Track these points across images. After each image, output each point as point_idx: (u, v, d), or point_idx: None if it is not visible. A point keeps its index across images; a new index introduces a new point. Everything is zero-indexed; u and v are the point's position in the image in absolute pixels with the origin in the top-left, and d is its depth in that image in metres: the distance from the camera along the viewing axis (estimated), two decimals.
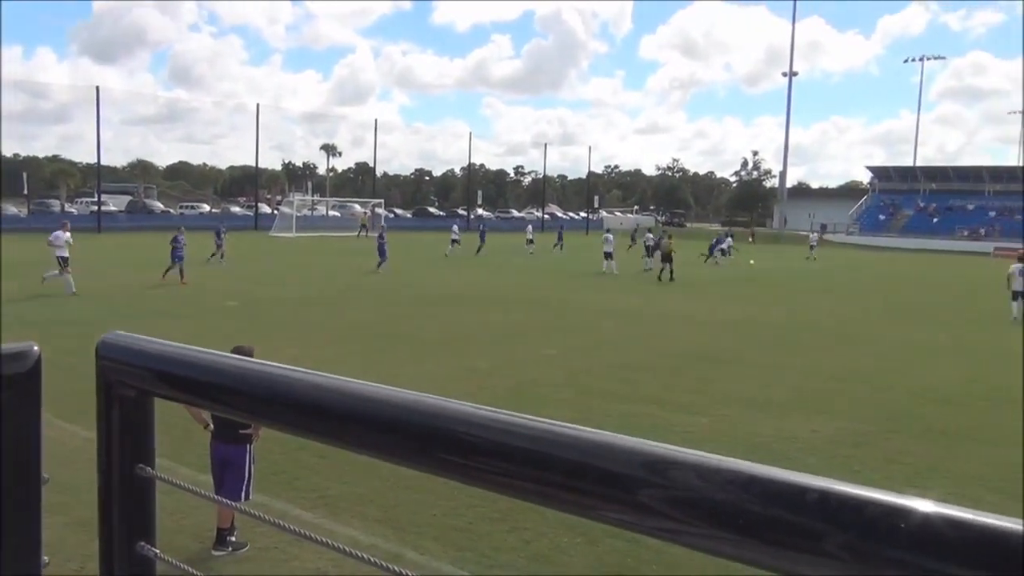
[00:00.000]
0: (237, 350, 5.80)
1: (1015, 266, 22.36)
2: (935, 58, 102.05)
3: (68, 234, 20.96)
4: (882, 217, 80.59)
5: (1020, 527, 0.47)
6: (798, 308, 23.21)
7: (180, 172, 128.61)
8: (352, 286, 24.87)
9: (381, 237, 30.73)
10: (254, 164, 71.59)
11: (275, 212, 65.10)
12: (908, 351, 16.26)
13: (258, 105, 64.47)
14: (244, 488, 6.27)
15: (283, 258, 35.61)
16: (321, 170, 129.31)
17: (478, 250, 40.16)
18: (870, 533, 0.50)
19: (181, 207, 73.17)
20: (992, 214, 77.29)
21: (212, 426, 6.31)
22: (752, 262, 40.09)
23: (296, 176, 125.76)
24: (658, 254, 31.76)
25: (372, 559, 1.14)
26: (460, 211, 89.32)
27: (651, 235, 37.36)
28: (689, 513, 0.56)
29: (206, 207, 76.70)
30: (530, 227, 48.61)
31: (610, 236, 33.55)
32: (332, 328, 16.89)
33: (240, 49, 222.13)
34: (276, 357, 1.18)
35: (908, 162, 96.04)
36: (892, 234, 72.72)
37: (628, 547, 6.25)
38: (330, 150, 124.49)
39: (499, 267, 34.34)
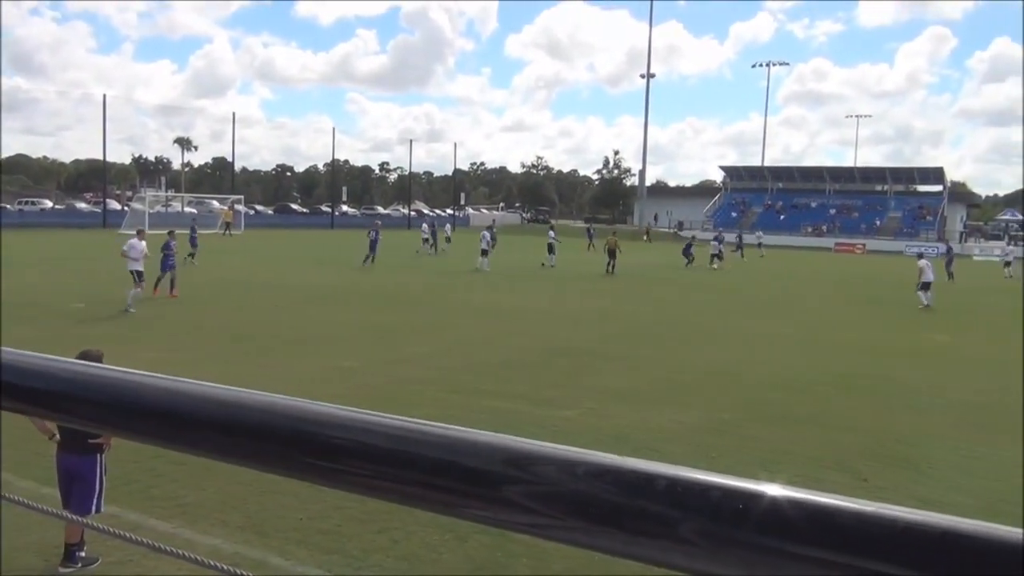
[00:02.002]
0: (84, 355, 5.47)
1: (921, 262, 25.00)
2: (780, 64, 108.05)
3: (144, 243, 18.72)
4: (734, 214, 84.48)
5: (852, 505, 0.50)
6: (663, 303, 24.06)
7: (19, 166, 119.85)
8: (212, 284, 23.91)
9: (375, 232, 32.86)
10: (101, 158, 67.64)
11: (126, 209, 61.81)
12: (761, 343, 17.14)
13: (104, 96, 60.97)
14: (94, 501, 5.93)
15: None
16: (176, 165, 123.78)
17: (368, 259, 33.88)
18: (722, 517, 0.52)
19: (19, 203, 68.37)
20: (833, 211, 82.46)
21: (58, 436, 5.93)
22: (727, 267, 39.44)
23: (149, 171, 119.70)
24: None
25: (232, 569, 1.10)
26: (324, 208, 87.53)
27: (553, 233, 38.30)
28: (552, 507, 0.57)
29: (48, 203, 71.89)
30: (424, 225, 47.88)
31: (487, 234, 34.27)
32: (191, 330, 16.20)
33: (87, 36, 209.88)
34: (130, 362, 1.13)
35: (757, 162, 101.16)
36: (744, 231, 76.35)
37: (497, 542, 6.31)
38: (185, 144, 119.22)
39: (375, 266, 33.90)
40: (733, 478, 0.54)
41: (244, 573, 1.10)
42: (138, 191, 79.29)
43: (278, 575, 5.97)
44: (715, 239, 41.63)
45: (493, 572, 6.03)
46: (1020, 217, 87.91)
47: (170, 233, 22.05)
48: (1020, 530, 0.47)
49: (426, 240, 44.03)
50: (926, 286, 24.08)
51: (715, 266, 38.65)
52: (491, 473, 0.59)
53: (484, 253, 33.16)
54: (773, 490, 0.52)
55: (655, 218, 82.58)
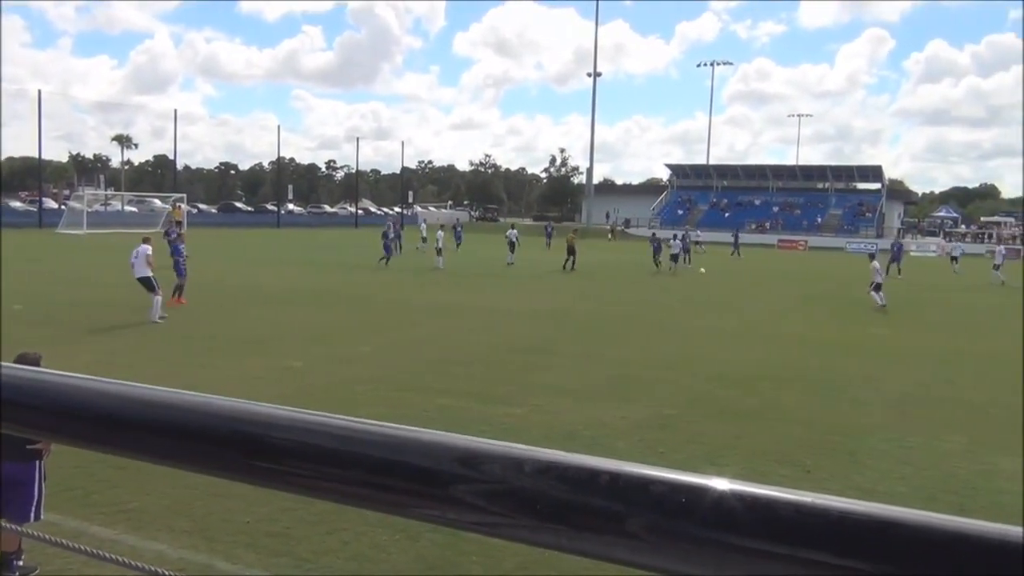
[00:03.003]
0: (21, 358, 5.31)
1: (873, 263, 25.04)
2: (724, 63, 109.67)
3: (151, 249, 17.47)
4: (680, 212, 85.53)
5: (792, 496, 0.51)
6: (615, 300, 24.24)
7: None
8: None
9: (392, 233, 34.01)
10: (37, 155, 65.70)
11: (63, 208, 60.17)
12: (706, 338, 17.38)
13: (40, 91, 59.30)
14: (33, 509, 5.76)
15: (74, 257, 32.99)
16: (115, 163, 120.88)
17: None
18: (665, 511, 0.53)
19: None
20: (776, 209, 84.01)
21: None
22: (702, 270, 36.96)
23: (87, 169, 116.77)
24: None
25: (178, 574, 1.09)
26: (270, 206, 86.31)
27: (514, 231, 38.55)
28: (499, 505, 0.57)
29: None
30: (390, 223, 47.48)
31: (441, 233, 34.80)
32: (133, 331, 15.84)
33: (21, 30, 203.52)
34: (69, 365, 1.10)
35: (702, 160, 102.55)
36: (690, 228, 77.28)
37: (449, 541, 6.30)
38: (124, 141, 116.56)
39: (323, 264, 33.53)
40: (676, 472, 0.55)
41: None
42: (76, 189, 77.29)
43: None
44: (678, 236, 37.84)
45: (445, 571, 6.02)
46: (955, 214, 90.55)
47: (179, 236, 20.89)
48: (949, 516, 0.49)
49: (424, 239, 44.51)
50: (878, 287, 24.33)
51: (675, 267, 35.93)
52: (439, 472, 0.59)
53: (439, 252, 33.71)
54: (715, 483, 0.53)
55: (607, 216, 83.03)
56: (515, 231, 38.72)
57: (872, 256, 26.24)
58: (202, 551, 6.24)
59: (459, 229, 47.99)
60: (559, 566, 5.89)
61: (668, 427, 10.21)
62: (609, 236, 66.85)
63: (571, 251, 34.62)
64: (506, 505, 0.57)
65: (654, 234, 43.59)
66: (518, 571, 6.02)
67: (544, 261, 38.06)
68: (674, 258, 36.50)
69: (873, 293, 24.27)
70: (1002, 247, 43.99)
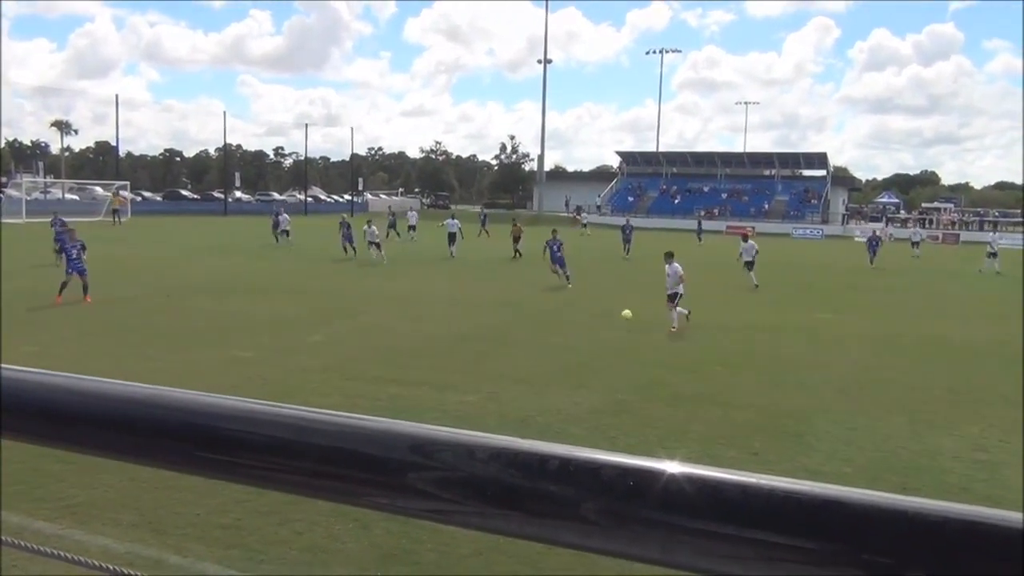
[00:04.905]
0: None
1: (743, 244, 27.06)
2: (672, 51, 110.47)
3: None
4: (631, 199, 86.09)
5: (737, 477, 0.52)
6: (562, 288, 24.33)
7: None
8: (95, 275, 22.85)
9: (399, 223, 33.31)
10: None
11: (0, 196, 58.42)
12: (652, 325, 17.56)
13: None
14: None
15: (13, 246, 32.05)
16: (54, 149, 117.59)
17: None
18: (614, 495, 0.53)
19: None
20: (724, 195, 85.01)
21: None
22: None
23: (25, 156, 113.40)
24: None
25: (124, 570, 1.07)
26: (216, 194, 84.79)
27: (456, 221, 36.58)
28: (450, 491, 0.57)
29: None
30: (413, 213, 46.74)
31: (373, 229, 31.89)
32: (77, 322, 15.47)
33: None
34: (7, 358, 1.07)
35: (652, 147, 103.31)
36: (640, 214, 77.91)
37: (403, 529, 6.29)
38: (63, 127, 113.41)
39: (271, 254, 33.07)
40: (626, 456, 0.56)
41: (138, 574, 1.07)
42: (13, 177, 75.03)
43: (176, 574, 5.79)
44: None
45: (399, 559, 6.02)
46: (897, 200, 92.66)
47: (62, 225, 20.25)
48: (890, 494, 0.51)
49: (412, 227, 44.53)
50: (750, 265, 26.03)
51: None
52: (391, 460, 0.59)
53: (377, 246, 30.94)
54: (665, 466, 0.54)
55: (565, 203, 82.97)
56: (456, 221, 36.14)
57: (745, 238, 27.61)
58: (151, 545, 6.14)
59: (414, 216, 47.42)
60: (513, 551, 5.93)
61: (621, 412, 10.31)
62: (584, 227, 62.89)
63: (516, 239, 34.51)
64: (458, 492, 0.58)
65: (628, 221, 43.27)
66: (473, 557, 6.04)
67: (484, 248, 37.85)
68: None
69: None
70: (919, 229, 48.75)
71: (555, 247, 25.36)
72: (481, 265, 30.84)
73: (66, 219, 31.58)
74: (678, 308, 17.00)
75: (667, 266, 17.80)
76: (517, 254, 33.97)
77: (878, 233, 40.40)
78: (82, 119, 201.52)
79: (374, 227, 31.51)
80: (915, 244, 45.31)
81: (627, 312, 16.69)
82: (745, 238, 27.87)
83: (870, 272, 33.38)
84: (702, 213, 76.27)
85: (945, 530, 0.49)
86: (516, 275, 27.67)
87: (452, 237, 34.86)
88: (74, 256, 18.35)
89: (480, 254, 35.40)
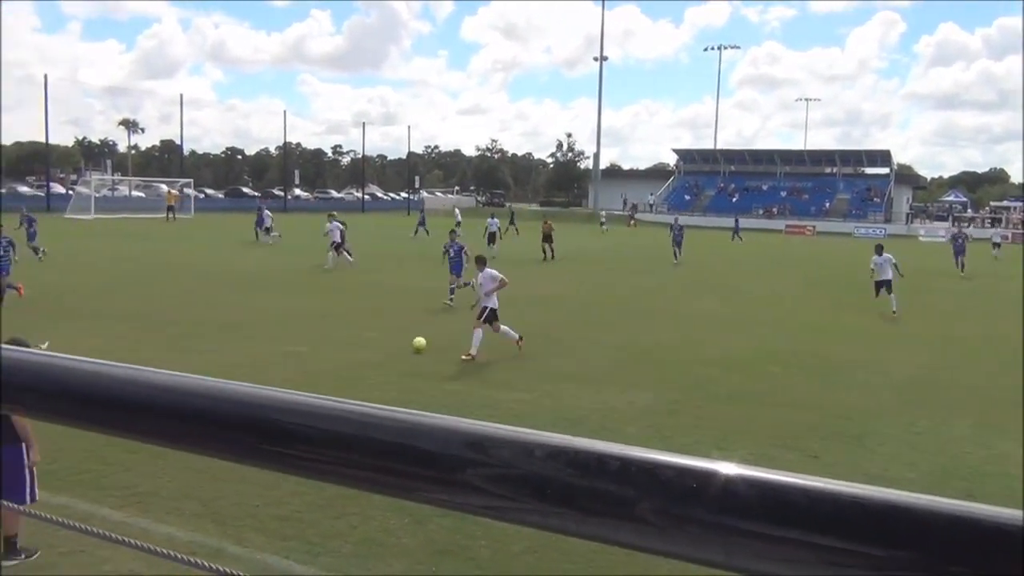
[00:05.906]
0: (13, 342, 5.32)
1: (875, 258, 20.28)
2: (731, 47, 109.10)
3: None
4: (687, 197, 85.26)
5: (801, 481, 0.51)
6: (605, 286, 24.21)
7: None
8: (159, 269, 23.48)
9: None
10: (44, 140, 65.73)
11: (70, 192, 60.34)
12: (705, 323, 17.36)
13: (46, 76, 59.30)
14: (28, 489, 5.77)
15: (81, 242, 33.07)
16: (122, 148, 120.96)
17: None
18: (674, 496, 0.53)
19: None
20: (783, 194, 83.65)
21: None
22: None
23: (94, 154, 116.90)
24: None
25: (188, 557, 1.09)
26: (276, 191, 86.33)
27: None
28: (508, 488, 0.58)
29: None
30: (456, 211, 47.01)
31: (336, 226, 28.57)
32: (137, 315, 15.90)
33: (30, 15, 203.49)
34: (74, 349, 1.10)
35: (710, 145, 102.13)
36: (696, 213, 77.10)
37: (457, 525, 6.33)
38: (131, 126, 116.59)
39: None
40: (685, 457, 0.55)
41: (200, 561, 1.10)
42: (83, 174, 77.39)
43: (235, 562, 5.92)
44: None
45: (453, 555, 6.06)
46: (964, 199, 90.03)
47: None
48: (958, 501, 0.49)
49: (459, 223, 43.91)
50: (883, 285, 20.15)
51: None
52: (448, 456, 0.59)
53: (346, 250, 26.96)
54: (724, 468, 0.53)
55: (624, 201, 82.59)
56: (496, 220, 35.54)
57: (880, 249, 20.76)
58: (212, 534, 6.28)
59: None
60: (567, 549, 5.92)
61: (676, 411, 10.22)
62: (631, 223, 64.84)
63: (548, 238, 32.66)
64: (515, 489, 0.58)
65: (676, 219, 40.18)
66: (526, 554, 6.05)
67: (519, 247, 37.34)
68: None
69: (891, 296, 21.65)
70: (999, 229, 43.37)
71: (453, 251, 20.20)
72: (520, 263, 30.65)
73: (132, 216, 32.27)
74: (503, 327, 13.49)
75: (479, 273, 14.24)
76: (548, 255, 32.30)
77: (964, 231, 36.09)
78: (149, 118, 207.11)
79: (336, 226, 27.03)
80: (996, 245, 43.77)
81: (420, 340, 13.21)
82: (880, 250, 20.32)
83: (943, 275, 31.68)
84: (760, 212, 75.24)
85: (1012, 537, 0.47)
86: (554, 273, 27.58)
87: (492, 237, 34.10)
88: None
89: (515, 252, 35.03)
